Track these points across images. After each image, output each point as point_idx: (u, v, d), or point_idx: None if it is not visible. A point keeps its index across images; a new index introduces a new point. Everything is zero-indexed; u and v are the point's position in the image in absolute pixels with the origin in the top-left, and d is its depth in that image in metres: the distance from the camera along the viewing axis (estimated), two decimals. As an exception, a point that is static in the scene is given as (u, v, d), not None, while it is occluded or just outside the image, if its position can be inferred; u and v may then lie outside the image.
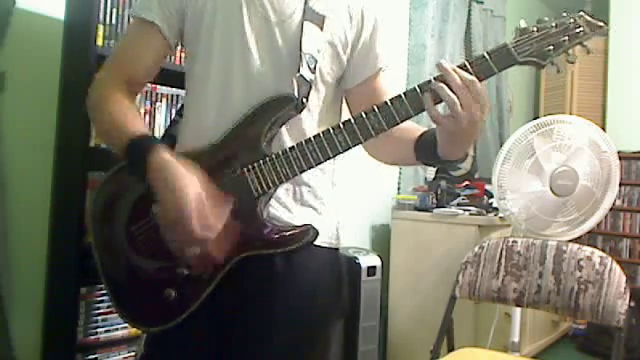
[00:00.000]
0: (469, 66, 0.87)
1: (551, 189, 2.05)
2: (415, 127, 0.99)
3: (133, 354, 1.68)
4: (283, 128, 0.96)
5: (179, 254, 0.88)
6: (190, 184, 0.84)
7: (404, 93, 0.89)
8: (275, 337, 0.96)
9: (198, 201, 0.83)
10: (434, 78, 0.87)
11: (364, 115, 0.89)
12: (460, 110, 0.84)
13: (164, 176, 0.85)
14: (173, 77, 1.43)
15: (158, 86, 1.74)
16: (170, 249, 0.89)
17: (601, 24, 0.90)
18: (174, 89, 1.77)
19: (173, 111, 1.78)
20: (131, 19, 1.07)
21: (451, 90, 0.84)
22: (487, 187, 2.94)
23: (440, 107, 0.88)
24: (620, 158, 2.13)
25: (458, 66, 0.86)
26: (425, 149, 0.96)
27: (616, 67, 4.33)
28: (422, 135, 0.98)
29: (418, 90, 0.89)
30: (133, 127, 0.91)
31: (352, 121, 0.90)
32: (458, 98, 0.84)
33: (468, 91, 0.84)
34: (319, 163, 0.91)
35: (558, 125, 2.07)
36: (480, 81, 0.86)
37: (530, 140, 2.06)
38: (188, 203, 0.82)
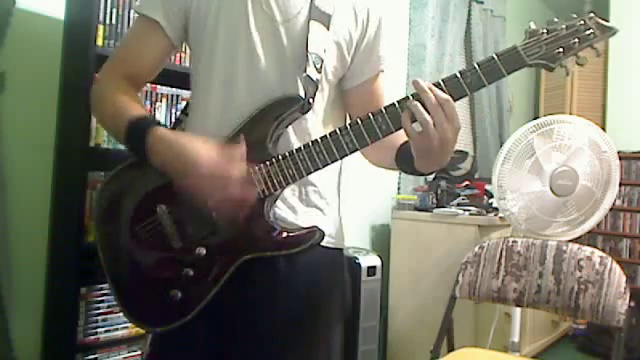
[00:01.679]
0: (443, 84, 0.86)
1: (551, 189, 2.05)
2: (401, 134, 0.98)
3: (133, 354, 1.68)
4: (289, 128, 0.96)
5: (222, 208, 0.88)
6: (195, 147, 0.85)
7: (412, 95, 0.88)
8: (276, 338, 0.96)
9: (208, 156, 0.83)
10: (412, 95, 0.87)
11: (371, 116, 0.89)
12: (432, 129, 0.84)
13: (167, 151, 0.86)
14: (173, 77, 1.43)
15: (158, 86, 1.74)
16: (174, 247, 0.90)
17: (612, 26, 0.89)
18: (174, 89, 1.77)
19: (173, 111, 1.78)
20: (135, 15, 1.06)
21: (425, 109, 0.84)
22: (487, 187, 2.94)
23: None
24: (620, 158, 2.13)
25: (442, 80, 0.86)
26: (404, 158, 0.97)
27: (616, 67, 4.32)
28: (404, 144, 0.97)
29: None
30: (132, 111, 0.92)
31: (359, 122, 0.89)
32: (432, 117, 0.83)
33: (442, 110, 0.84)
34: (326, 165, 0.90)
35: (558, 125, 2.07)
36: (488, 84, 0.87)
37: (530, 140, 2.06)
38: (200, 162, 0.83)
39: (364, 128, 0.89)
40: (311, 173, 0.91)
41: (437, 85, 0.86)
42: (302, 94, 0.95)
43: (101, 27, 1.59)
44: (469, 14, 3.86)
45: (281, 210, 0.96)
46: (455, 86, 0.86)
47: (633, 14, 4.19)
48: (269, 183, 0.90)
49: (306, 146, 0.90)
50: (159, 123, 0.91)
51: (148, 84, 1.69)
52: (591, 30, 0.88)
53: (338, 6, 1.01)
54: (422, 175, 0.95)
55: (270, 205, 0.93)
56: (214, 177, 0.84)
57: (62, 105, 1.69)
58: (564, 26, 0.88)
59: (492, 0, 4.08)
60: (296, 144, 0.94)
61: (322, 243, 0.93)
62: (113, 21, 1.61)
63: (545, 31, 0.88)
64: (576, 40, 0.88)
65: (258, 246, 0.91)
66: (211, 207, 0.88)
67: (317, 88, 0.96)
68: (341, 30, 1.01)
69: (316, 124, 1.00)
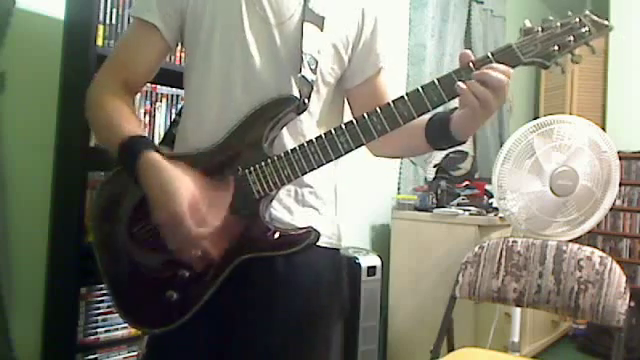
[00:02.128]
0: (438, 83, 0.88)
1: (551, 189, 2.05)
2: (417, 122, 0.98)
3: (133, 354, 1.68)
4: (284, 130, 0.96)
5: (179, 254, 0.88)
6: (181, 184, 0.84)
7: (407, 94, 0.89)
8: (276, 338, 0.96)
9: (190, 199, 0.83)
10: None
11: (366, 116, 0.89)
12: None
13: (154, 177, 0.85)
14: (173, 77, 1.43)
15: (158, 86, 1.74)
16: (170, 249, 0.89)
17: (607, 23, 0.89)
18: (174, 89, 1.77)
19: (173, 111, 1.78)
20: (130, 19, 1.07)
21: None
22: (487, 187, 2.94)
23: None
24: (620, 158, 2.13)
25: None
26: (437, 131, 0.98)
27: (616, 67, 4.32)
28: (431, 120, 0.99)
29: (421, 90, 0.89)
30: (127, 128, 0.91)
31: (354, 122, 0.89)
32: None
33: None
34: (321, 165, 0.91)
35: (558, 125, 2.07)
36: None
37: (530, 140, 2.06)
38: (179, 202, 0.82)
39: (359, 128, 0.89)
40: (306, 173, 0.91)
41: (430, 84, 0.87)
42: (297, 94, 0.95)
43: (101, 27, 1.58)
44: (469, 14, 3.86)
45: (277, 211, 0.96)
46: (450, 84, 0.87)
47: (633, 14, 4.19)
48: (264, 183, 0.90)
49: (301, 146, 0.90)
50: (152, 144, 0.90)
51: (148, 84, 1.69)
52: (586, 28, 0.88)
53: (332, 8, 1.01)
54: (455, 143, 0.97)
55: (266, 206, 0.93)
56: (182, 222, 0.82)
57: (62, 105, 1.69)
58: (559, 24, 0.88)
59: (492, 0, 4.08)
60: (291, 145, 0.94)
61: (319, 243, 0.93)
62: (113, 21, 1.61)
63: (540, 29, 0.88)
64: (571, 38, 0.88)
65: (254, 247, 0.91)
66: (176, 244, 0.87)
67: (312, 89, 0.96)
68: (336, 32, 1.01)
69: (311, 126, 1.00)
